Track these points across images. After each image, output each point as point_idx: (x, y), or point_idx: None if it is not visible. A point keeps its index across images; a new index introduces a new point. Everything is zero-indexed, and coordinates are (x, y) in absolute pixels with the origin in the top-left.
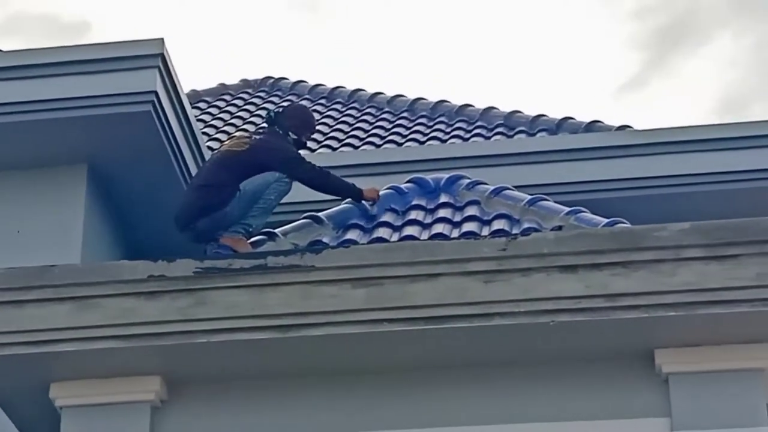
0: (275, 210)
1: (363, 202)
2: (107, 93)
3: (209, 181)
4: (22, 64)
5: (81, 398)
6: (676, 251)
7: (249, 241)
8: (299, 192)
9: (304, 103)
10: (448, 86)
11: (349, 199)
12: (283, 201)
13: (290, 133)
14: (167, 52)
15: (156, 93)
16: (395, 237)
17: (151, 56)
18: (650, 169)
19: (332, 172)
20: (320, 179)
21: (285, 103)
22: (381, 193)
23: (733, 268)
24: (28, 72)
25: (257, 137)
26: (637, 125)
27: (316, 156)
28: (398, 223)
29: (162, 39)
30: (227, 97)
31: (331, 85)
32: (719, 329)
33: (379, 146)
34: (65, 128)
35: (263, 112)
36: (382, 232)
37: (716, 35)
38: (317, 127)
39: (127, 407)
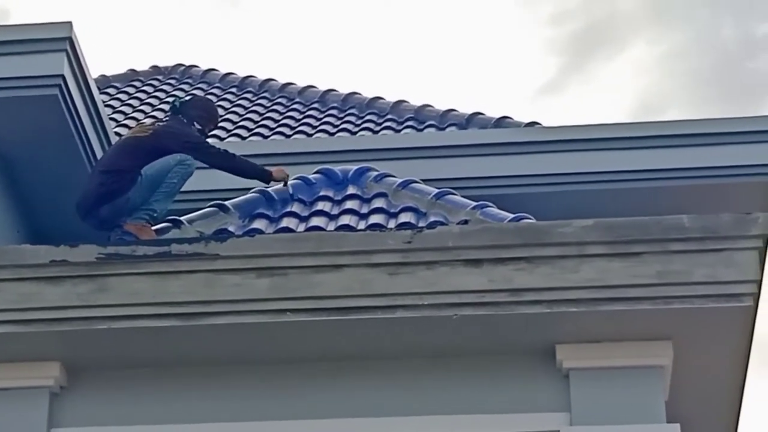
0: (183, 198)
1: (273, 183)
2: (13, 75)
3: (110, 167)
4: None
5: None
6: (579, 247)
7: (153, 228)
8: (206, 180)
9: (214, 91)
10: (361, 79)
11: (259, 185)
12: (189, 189)
13: (195, 124)
14: (75, 35)
15: (63, 77)
16: (301, 227)
17: (59, 39)
18: (557, 166)
19: None
20: (227, 161)
21: (195, 91)
22: (289, 183)
23: (635, 266)
24: None
25: (160, 123)
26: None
27: (225, 144)
28: (305, 213)
29: (70, 22)
30: (137, 84)
31: (242, 74)
32: (620, 326)
33: (288, 136)
34: None
35: (172, 100)
36: (289, 222)
37: (632, 42)
38: (227, 116)
39: (26, 392)
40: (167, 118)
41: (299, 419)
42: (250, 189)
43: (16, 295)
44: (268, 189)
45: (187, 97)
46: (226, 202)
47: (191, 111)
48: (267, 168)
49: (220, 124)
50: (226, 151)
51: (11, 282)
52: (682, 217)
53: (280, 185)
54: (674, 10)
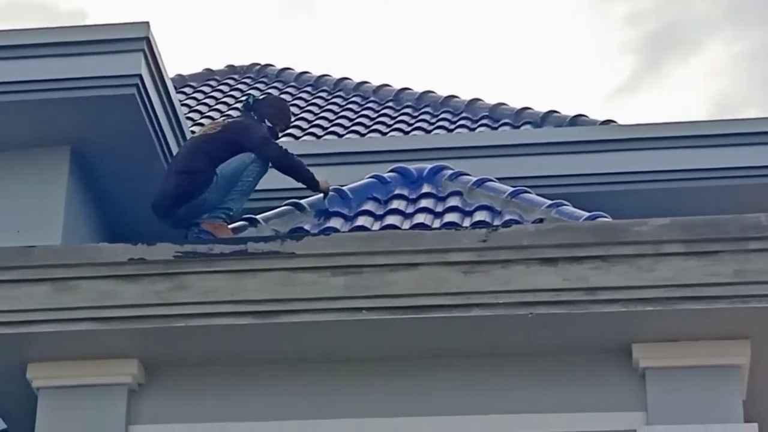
0: (258, 196)
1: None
2: (92, 75)
3: (185, 168)
4: (7, 44)
5: (58, 380)
6: (655, 246)
7: (230, 227)
8: (282, 179)
9: (289, 90)
10: (435, 78)
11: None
12: (265, 187)
13: (266, 121)
14: (152, 35)
15: (140, 76)
16: (376, 226)
17: (137, 39)
18: (633, 164)
19: (316, 160)
20: (287, 161)
21: (270, 90)
22: (363, 181)
23: (711, 265)
24: (12, 52)
25: (230, 119)
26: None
27: (300, 143)
28: (380, 212)
29: (147, 23)
30: (213, 83)
31: (317, 73)
32: (697, 325)
33: (363, 135)
34: (49, 109)
35: (245, 97)
36: (364, 221)
37: (707, 43)
38: (302, 115)
39: (104, 389)
40: (239, 115)
41: (374, 417)
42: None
43: (95, 293)
44: (338, 187)
45: (261, 96)
46: (301, 201)
47: (263, 109)
48: (316, 177)
49: (295, 123)
50: (287, 151)
51: (90, 280)
52: (760, 215)
53: (319, 196)
54: (750, 10)
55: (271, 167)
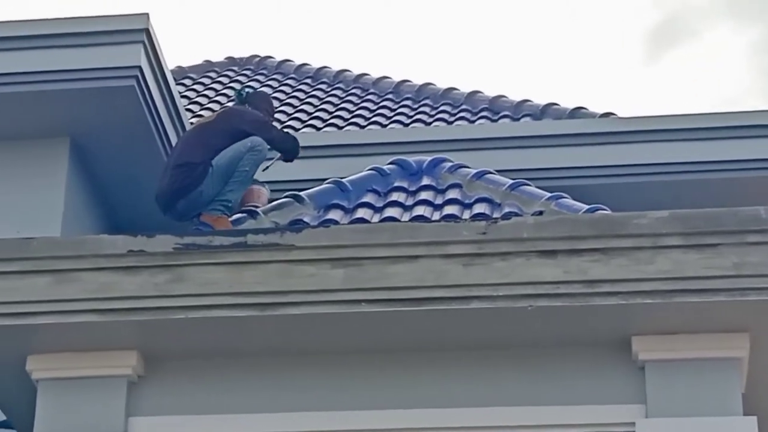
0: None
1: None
2: (91, 67)
3: (180, 161)
4: (6, 35)
5: (58, 371)
6: (654, 239)
7: (229, 219)
8: (281, 171)
9: (289, 81)
10: (436, 70)
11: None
12: (263, 179)
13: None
14: (152, 27)
15: (140, 68)
16: (376, 218)
17: (136, 31)
18: (632, 157)
19: (316, 152)
20: (287, 142)
21: (270, 82)
22: (363, 174)
23: (710, 257)
24: (11, 44)
25: (225, 108)
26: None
27: (300, 136)
28: (379, 204)
29: (147, 14)
30: (212, 74)
31: (316, 65)
32: (696, 318)
33: (363, 127)
34: (48, 101)
35: (239, 88)
36: (363, 213)
37: (711, 34)
38: (302, 107)
39: (104, 381)
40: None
41: (373, 410)
42: (324, 180)
43: (95, 284)
44: (342, 179)
45: (256, 90)
46: (301, 193)
47: (258, 102)
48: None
49: (294, 115)
50: (285, 131)
51: (90, 272)
52: (759, 208)
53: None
54: (752, 2)
55: (280, 158)
